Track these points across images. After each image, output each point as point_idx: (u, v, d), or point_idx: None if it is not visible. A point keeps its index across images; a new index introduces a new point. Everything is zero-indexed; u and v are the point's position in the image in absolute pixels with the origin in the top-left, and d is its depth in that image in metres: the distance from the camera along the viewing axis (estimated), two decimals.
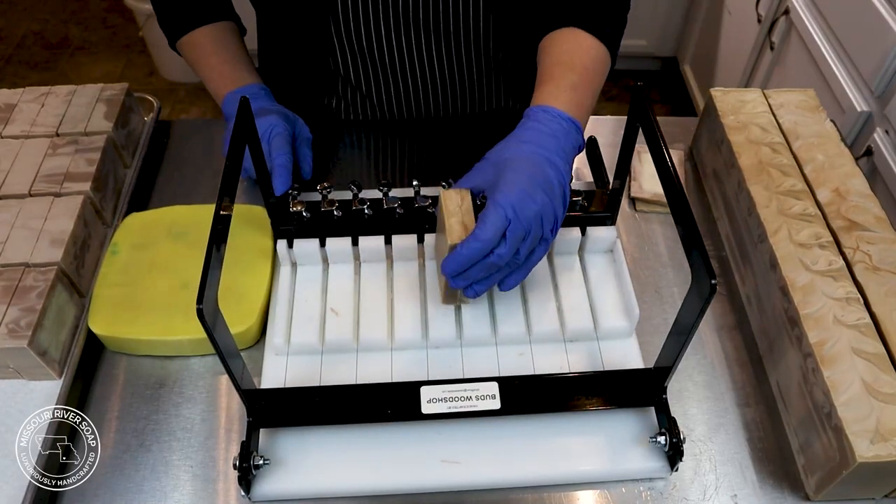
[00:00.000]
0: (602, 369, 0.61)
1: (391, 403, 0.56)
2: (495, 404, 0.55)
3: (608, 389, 0.58)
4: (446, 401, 0.55)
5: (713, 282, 0.43)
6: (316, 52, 0.78)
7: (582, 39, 0.64)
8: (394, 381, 0.60)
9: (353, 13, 0.73)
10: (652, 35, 2.15)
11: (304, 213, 0.67)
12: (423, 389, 0.56)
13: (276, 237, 0.69)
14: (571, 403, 0.57)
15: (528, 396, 0.57)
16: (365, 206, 0.67)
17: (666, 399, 0.57)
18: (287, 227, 0.67)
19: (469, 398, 0.56)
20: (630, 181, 0.78)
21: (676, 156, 0.80)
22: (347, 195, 0.68)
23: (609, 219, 0.69)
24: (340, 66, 0.79)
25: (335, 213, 0.67)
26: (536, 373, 0.60)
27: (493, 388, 0.56)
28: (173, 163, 0.83)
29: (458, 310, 0.64)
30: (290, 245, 0.67)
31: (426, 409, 0.55)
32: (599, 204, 0.69)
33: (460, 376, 0.61)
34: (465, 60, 0.80)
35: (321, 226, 0.67)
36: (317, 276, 0.67)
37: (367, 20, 0.74)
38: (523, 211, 0.52)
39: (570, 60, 0.63)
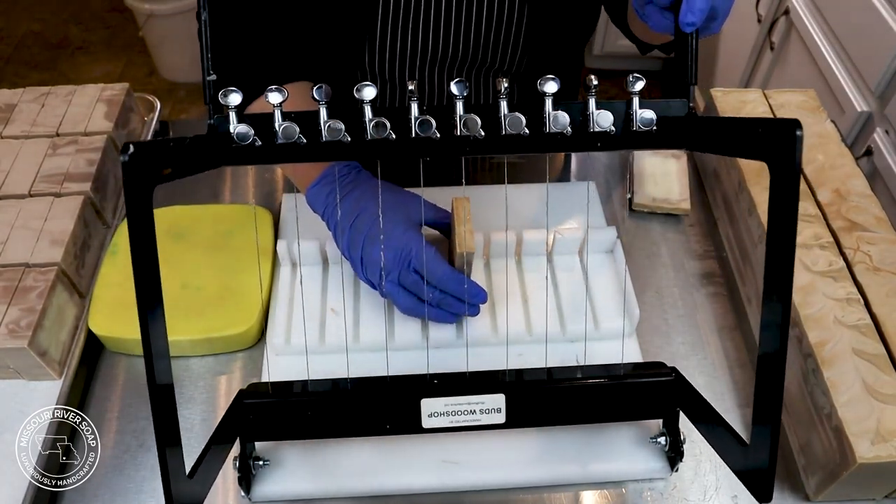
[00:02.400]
0: (613, 375, 0.56)
1: (389, 417, 0.53)
2: (500, 418, 0.53)
3: (622, 402, 0.55)
4: (448, 415, 0.53)
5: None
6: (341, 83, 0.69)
7: None
8: (393, 381, 0.59)
9: (383, 51, 0.73)
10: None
11: (256, 141, 0.48)
12: (424, 402, 0.53)
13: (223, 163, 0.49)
14: (582, 417, 0.55)
15: (536, 410, 0.54)
16: (342, 133, 0.47)
17: (679, 412, 0.55)
18: (235, 159, 0.49)
19: (473, 412, 0.53)
20: (631, 185, 0.78)
21: (677, 156, 0.80)
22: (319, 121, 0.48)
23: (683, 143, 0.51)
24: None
25: (299, 140, 0.48)
26: (543, 379, 0.59)
27: (500, 400, 0.53)
28: None
29: None
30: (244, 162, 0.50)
31: (427, 423, 0.53)
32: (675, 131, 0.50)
33: (460, 377, 0.60)
34: (490, 84, 0.81)
35: (279, 154, 0.48)
36: (317, 276, 0.67)
37: (398, 56, 0.74)
38: None
39: None
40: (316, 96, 0.47)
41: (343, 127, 0.47)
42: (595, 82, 0.48)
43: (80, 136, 0.74)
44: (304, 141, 0.48)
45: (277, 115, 0.47)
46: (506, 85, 0.48)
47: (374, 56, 0.74)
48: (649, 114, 0.48)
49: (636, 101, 0.48)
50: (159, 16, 2.09)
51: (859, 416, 0.50)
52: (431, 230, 0.65)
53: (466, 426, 0.53)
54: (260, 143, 0.48)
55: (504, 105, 0.48)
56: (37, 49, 2.46)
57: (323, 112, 0.47)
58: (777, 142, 0.39)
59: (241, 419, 0.53)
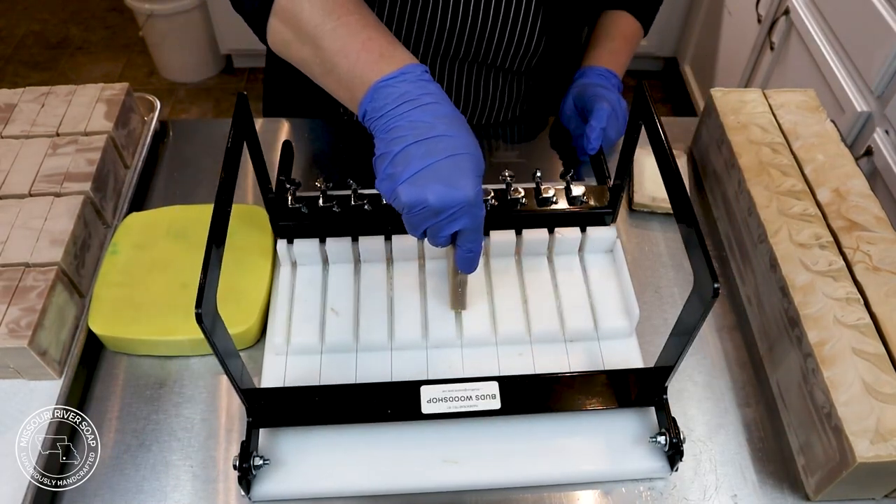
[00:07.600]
0: (602, 369, 0.61)
1: (391, 403, 0.56)
2: (495, 404, 0.55)
3: (609, 389, 0.57)
4: (446, 400, 0.55)
5: (715, 285, 0.43)
6: None
7: (619, 17, 0.85)
8: (394, 380, 0.60)
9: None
10: (652, 35, 2.13)
11: (303, 209, 0.66)
12: (423, 389, 0.56)
13: (275, 234, 0.69)
14: (572, 403, 0.57)
15: (528, 396, 0.57)
16: (364, 202, 0.66)
17: (666, 399, 0.57)
18: (286, 222, 0.66)
19: (469, 398, 0.55)
20: (631, 184, 0.78)
21: (677, 156, 0.80)
22: (348, 194, 0.68)
23: (610, 216, 0.68)
24: None
25: (334, 208, 0.66)
26: (536, 373, 0.60)
27: (494, 387, 0.56)
28: (173, 163, 0.83)
29: (458, 310, 0.64)
30: (290, 242, 0.66)
31: (426, 408, 0.55)
32: (601, 200, 0.68)
33: (460, 376, 0.60)
34: (502, 78, 0.81)
35: (320, 222, 0.66)
36: (317, 276, 0.67)
37: (410, 48, 0.74)
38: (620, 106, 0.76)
39: (609, 33, 0.84)
40: (352, 183, 0.66)
41: (365, 200, 0.66)
42: (538, 174, 0.68)
43: (80, 136, 0.74)
44: (338, 210, 0.66)
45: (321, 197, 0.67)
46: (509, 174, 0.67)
47: None
48: (580, 188, 0.68)
49: (571, 184, 0.69)
50: (159, 16, 2.09)
51: (859, 416, 0.50)
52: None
53: (464, 412, 0.55)
54: (307, 211, 0.66)
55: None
56: (37, 49, 2.46)
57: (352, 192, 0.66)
58: (638, 101, 0.55)
59: (251, 405, 0.55)
